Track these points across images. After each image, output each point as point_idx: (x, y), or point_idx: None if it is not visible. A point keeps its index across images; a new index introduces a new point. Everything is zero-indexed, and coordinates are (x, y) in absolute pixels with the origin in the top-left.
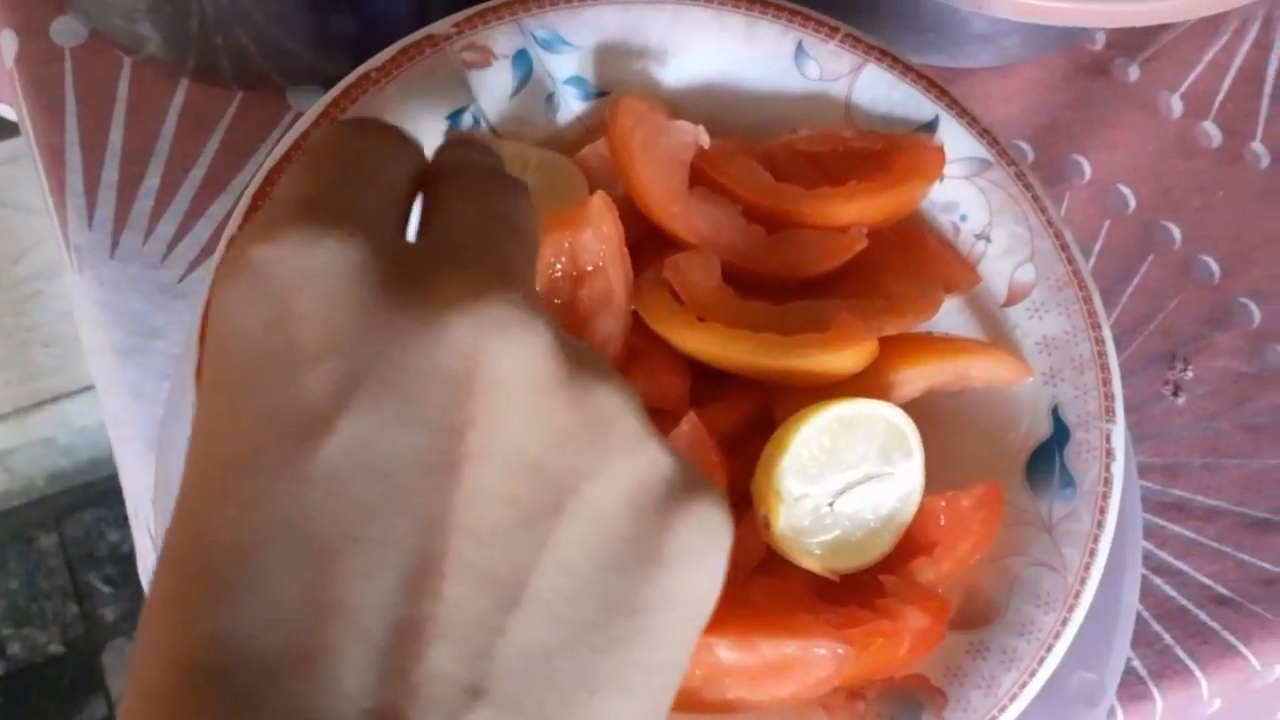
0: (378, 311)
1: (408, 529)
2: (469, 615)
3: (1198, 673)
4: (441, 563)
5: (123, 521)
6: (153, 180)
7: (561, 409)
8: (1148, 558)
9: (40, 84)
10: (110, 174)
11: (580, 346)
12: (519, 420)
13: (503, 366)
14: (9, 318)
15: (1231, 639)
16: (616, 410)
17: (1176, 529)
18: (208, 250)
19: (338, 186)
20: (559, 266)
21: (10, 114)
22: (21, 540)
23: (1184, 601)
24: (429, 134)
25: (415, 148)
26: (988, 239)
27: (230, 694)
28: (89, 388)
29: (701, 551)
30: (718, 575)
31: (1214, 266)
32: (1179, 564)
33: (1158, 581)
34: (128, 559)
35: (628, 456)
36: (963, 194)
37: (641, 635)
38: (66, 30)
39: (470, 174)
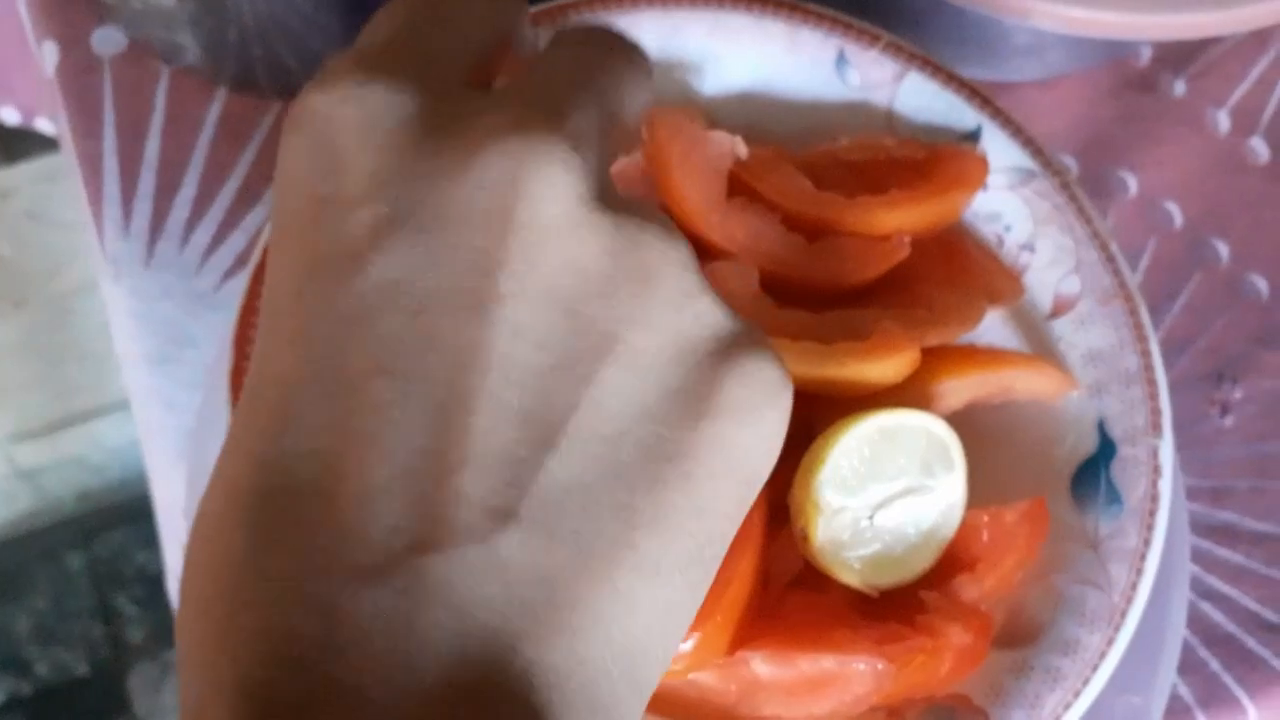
0: (419, 158)
1: (436, 364)
2: (498, 446)
3: (1245, 701)
4: (470, 397)
5: (151, 542)
6: (189, 190)
7: (601, 254)
8: (1195, 582)
9: (79, 93)
10: (147, 183)
11: (629, 197)
12: (554, 262)
13: (537, 207)
14: (43, 334)
15: None
16: (663, 260)
17: (1224, 553)
18: (243, 260)
19: (405, 35)
20: None
21: (47, 127)
22: (50, 560)
23: (1231, 628)
24: None
25: (517, 8)
26: (1032, 250)
27: (266, 512)
28: (121, 406)
29: (752, 406)
30: (772, 435)
31: (1262, 285)
32: (1226, 589)
33: (1205, 607)
34: (155, 580)
35: (674, 309)
36: (1007, 204)
37: (685, 481)
38: (106, 40)
39: (587, 40)
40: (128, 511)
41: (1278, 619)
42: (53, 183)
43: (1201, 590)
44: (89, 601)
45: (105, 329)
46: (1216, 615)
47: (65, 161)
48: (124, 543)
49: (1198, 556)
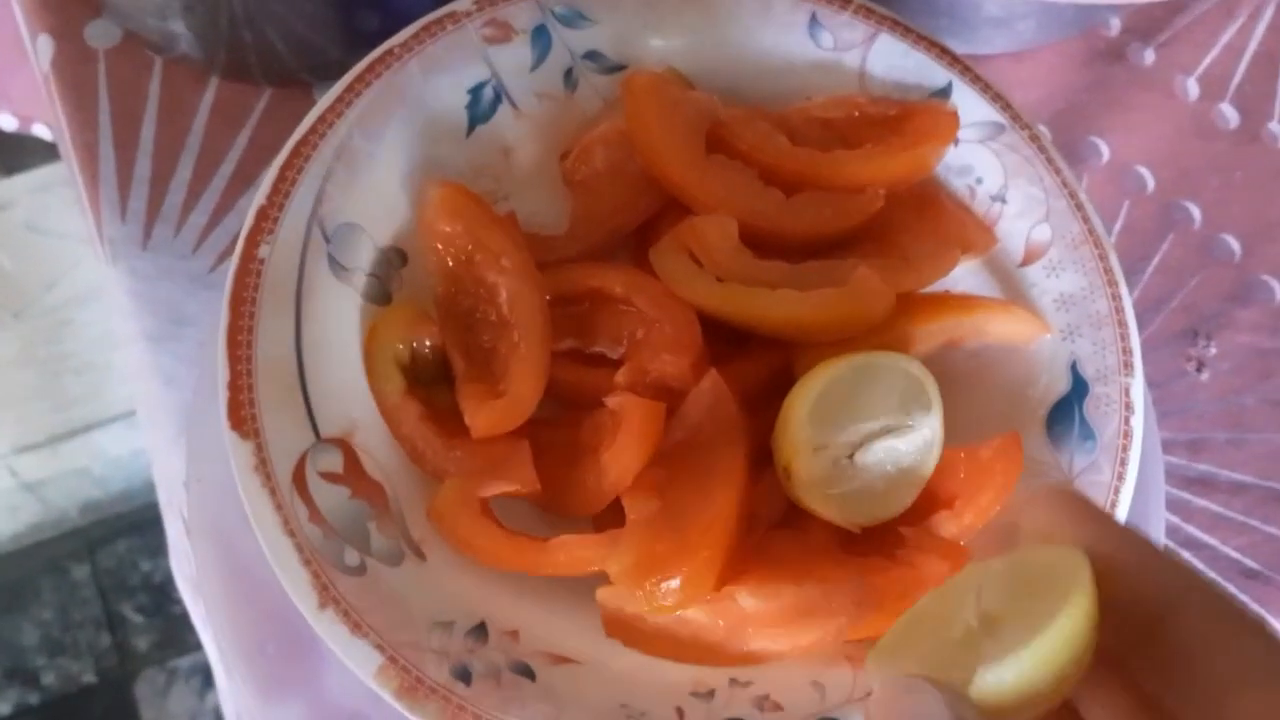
0: None
1: None
2: None
3: None
4: None
5: (155, 551)
6: (184, 175)
7: None
8: (1175, 531)
9: (75, 86)
10: (142, 169)
11: None
12: None
13: None
14: (42, 346)
15: (1261, 612)
16: None
17: (1203, 503)
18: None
19: None
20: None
21: (45, 133)
22: (55, 571)
23: (1212, 575)
24: (451, 107)
25: None
26: (1003, 200)
27: None
28: (121, 416)
29: None
30: None
31: (1235, 245)
32: (1207, 538)
33: (1186, 555)
34: (160, 589)
35: None
36: (977, 157)
37: None
38: (100, 33)
39: None
40: (131, 522)
41: (1257, 565)
42: (51, 194)
43: (1182, 539)
44: (95, 611)
45: (104, 340)
46: (1198, 563)
47: (61, 156)
48: (128, 553)
49: (1177, 507)
